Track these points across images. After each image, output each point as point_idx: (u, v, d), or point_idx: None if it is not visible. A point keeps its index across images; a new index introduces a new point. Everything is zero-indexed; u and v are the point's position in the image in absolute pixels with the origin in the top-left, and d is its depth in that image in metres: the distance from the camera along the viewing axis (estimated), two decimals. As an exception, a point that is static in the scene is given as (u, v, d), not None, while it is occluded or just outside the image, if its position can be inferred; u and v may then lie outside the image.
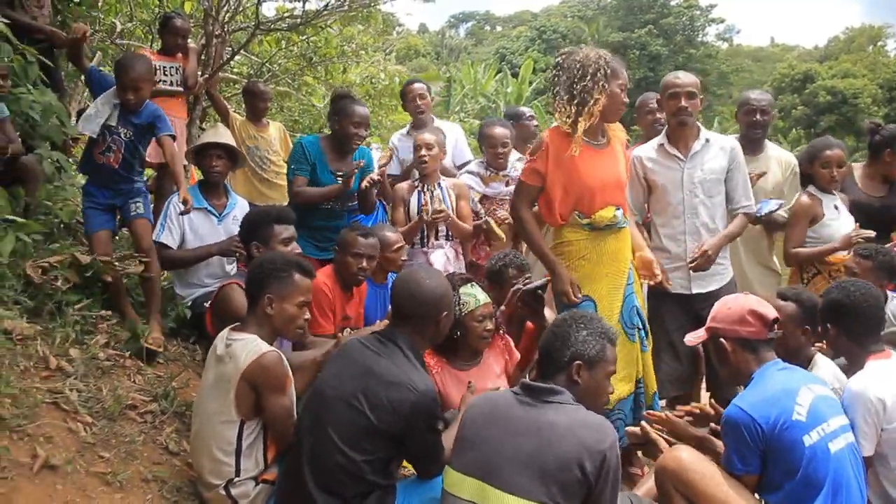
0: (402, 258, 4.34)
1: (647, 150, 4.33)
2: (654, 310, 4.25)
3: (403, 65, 20.68)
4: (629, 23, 44.16)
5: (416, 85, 5.71)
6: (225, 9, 6.66)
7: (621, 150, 3.91)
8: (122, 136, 4.22)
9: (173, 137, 4.44)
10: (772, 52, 59.56)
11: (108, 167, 4.23)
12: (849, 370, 3.09)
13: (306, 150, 4.61)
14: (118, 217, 4.39)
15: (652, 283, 4.13)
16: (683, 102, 4.08)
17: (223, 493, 2.90)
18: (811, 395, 2.67)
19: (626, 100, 3.71)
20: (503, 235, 4.70)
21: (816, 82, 39.64)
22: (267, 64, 8.21)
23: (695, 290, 4.14)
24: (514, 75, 29.46)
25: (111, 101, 4.20)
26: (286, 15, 7.33)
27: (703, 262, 3.98)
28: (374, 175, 4.66)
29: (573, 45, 4.39)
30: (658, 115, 5.01)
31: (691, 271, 4.09)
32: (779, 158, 4.84)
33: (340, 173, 4.50)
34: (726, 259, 4.25)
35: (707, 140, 4.18)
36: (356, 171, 4.51)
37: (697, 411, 3.23)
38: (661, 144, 4.25)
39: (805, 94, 39.32)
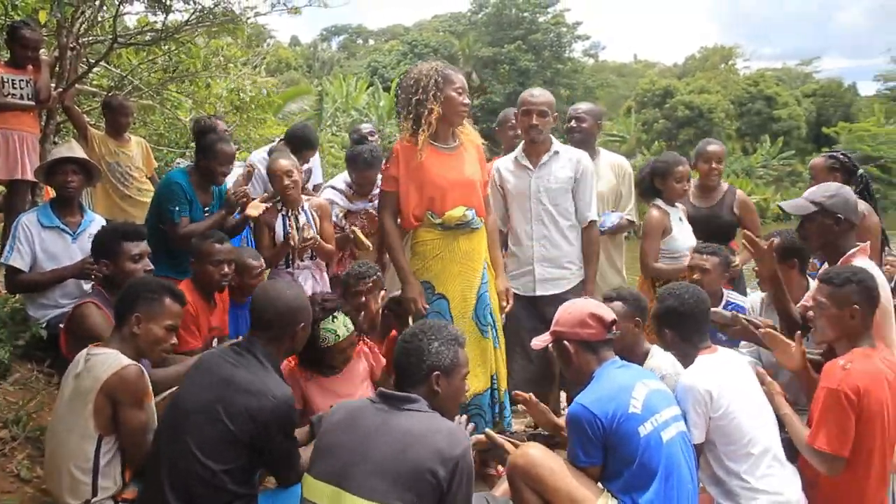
0: (255, 283, 4.34)
1: (506, 162, 4.58)
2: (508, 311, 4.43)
3: (275, 77, 20.44)
4: (499, 38, 45.07)
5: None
6: (80, 20, 6.42)
7: (475, 153, 4.09)
8: None
9: None
10: (635, 69, 62.05)
11: None
12: (683, 363, 3.32)
13: (182, 188, 4.56)
14: None
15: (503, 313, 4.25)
16: (534, 120, 4.32)
17: (80, 513, 2.82)
18: (646, 390, 2.86)
19: (467, 101, 3.89)
20: (369, 244, 4.77)
21: (675, 97, 41.70)
22: (128, 77, 7.94)
23: (538, 293, 4.39)
24: (386, 89, 29.55)
25: None
26: (146, 28, 7.14)
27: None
28: (244, 188, 4.70)
29: (445, 59, 4.55)
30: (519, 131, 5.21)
31: (535, 275, 4.34)
32: (612, 164, 5.13)
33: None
34: (573, 264, 4.46)
35: (556, 152, 4.42)
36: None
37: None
38: (516, 157, 4.49)
39: (665, 109, 41.29)
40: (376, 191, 5.04)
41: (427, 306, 3.87)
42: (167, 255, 4.53)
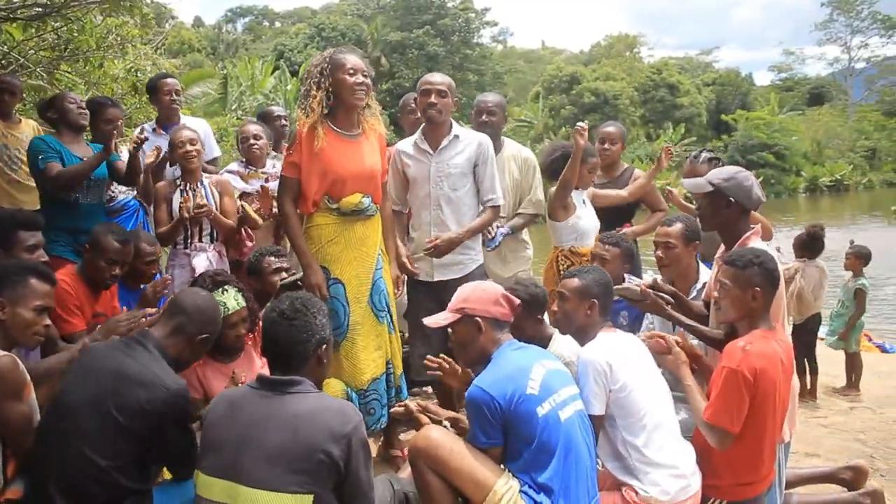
0: (153, 271, 4.28)
1: (406, 146, 4.51)
2: (409, 295, 4.46)
3: (177, 59, 19.81)
4: (408, 22, 44.98)
5: (171, 80, 5.62)
6: (-45, -9, 6.03)
7: (376, 142, 4.04)
8: None
9: None
10: (542, 55, 62.98)
11: None
12: (581, 342, 3.35)
13: (47, 142, 4.50)
14: None
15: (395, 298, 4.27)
16: (433, 98, 4.27)
17: (-42, 517, 2.68)
18: (543, 370, 2.89)
19: (360, 80, 3.81)
20: (258, 218, 4.65)
21: (582, 84, 42.54)
22: (13, 53, 7.51)
23: (437, 278, 4.36)
24: (294, 73, 29.12)
25: None
26: (30, 2, 6.75)
27: (434, 253, 4.23)
28: (142, 136, 4.52)
29: (352, 43, 4.48)
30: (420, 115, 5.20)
31: (433, 259, 4.32)
32: (516, 156, 5.13)
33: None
34: (472, 250, 4.46)
35: (456, 136, 4.39)
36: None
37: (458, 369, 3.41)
38: (416, 141, 4.44)
39: (572, 95, 42.08)
40: (272, 170, 5.00)
41: (327, 294, 3.82)
42: (68, 239, 4.39)
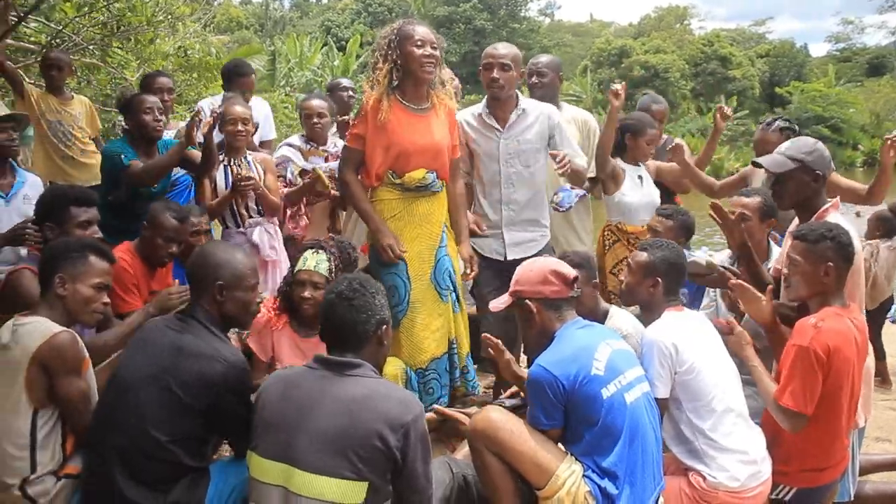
0: (202, 242, 4.12)
1: (469, 116, 4.36)
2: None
3: (225, 36, 19.94)
4: (455, -3, 44.66)
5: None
6: (8, -30, 6.08)
7: (446, 117, 3.95)
8: None
9: None
10: (590, 28, 62.03)
11: None
12: (644, 319, 3.27)
13: (123, 145, 4.40)
14: None
15: (466, 280, 4.19)
16: (496, 73, 4.13)
17: (18, 493, 2.66)
18: (609, 350, 2.78)
19: (429, 52, 3.72)
20: (328, 183, 4.60)
21: (631, 57, 41.86)
22: (67, 31, 7.58)
23: (510, 257, 4.24)
24: (341, 49, 29.14)
25: None
26: (84, -21, 6.80)
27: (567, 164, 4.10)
28: (208, 119, 4.44)
29: (400, 18, 4.38)
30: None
31: (505, 238, 4.23)
32: (576, 118, 5.02)
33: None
34: (544, 227, 4.37)
35: (524, 109, 4.25)
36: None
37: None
38: (480, 113, 4.30)
39: (621, 69, 41.40)
40: (333, 149, 4.93)
41: (405, 250, 3.76)
42: (117, 231, 4.29)
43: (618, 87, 4.52)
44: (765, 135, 4.74)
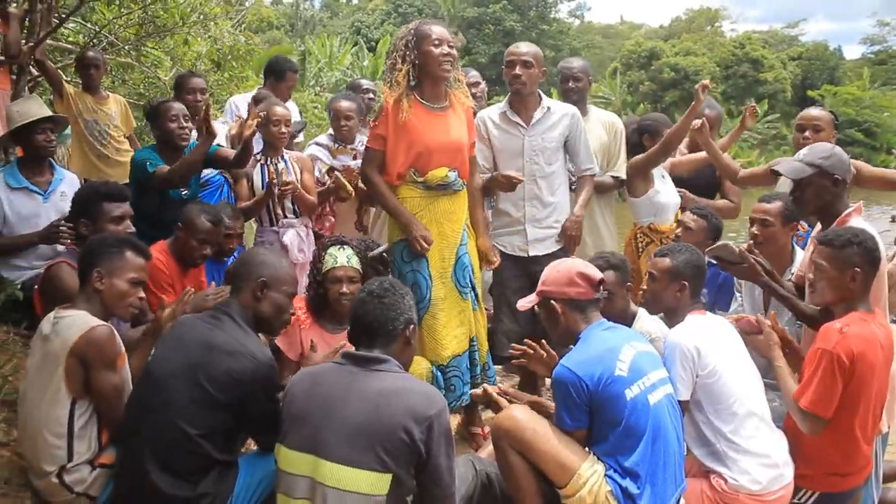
0: (234, 245, 4.30)
1: (493, 113, 4.43)
2: (494, 271, 4.36)
3: (256, 35, 20.03)
4: (484, -2, 44.61)
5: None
6: (50, -28, 6.20)
7: (463, 115, 4.00)
8: None
9: None
10: (620, 30, 61.60)
11: None
12: (670, 324, 3.28)
13: (151, 153, 4.42)
14: None
15: (489, 268, 4.24)
16: (518, 70, 4.22)
17: (56, 480, 2.76)
18: (633, 352, 2.82)
19: (446, 51, 3.76)
20: (352, 189, 4.67)
21: (661, 59, 41.50)
22: (103, 32, 7.72)
23: (532, 253, 4.31)
24: (371, 49, 29.22)
25: None
26: (121, -20, 6.92)
27: (573, 242, 4.26)
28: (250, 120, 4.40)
29: (430, 18, 4.42)
30: (473, 90, 5.11)
31: (528, 234, 4.30)
32: (604, 121, 5.04)
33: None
34: (559, 222, 4.39)
35: (548, 108, 4.32)
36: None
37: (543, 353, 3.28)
38: (504, 111, 4.37)
39: (651, 71, 41.09)
40: (361, 147, 4.96)
41: (432, 240, 3.81)
42: (148, 236, 4.41)
43: (706, 81, 4.64)
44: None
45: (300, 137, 5.79)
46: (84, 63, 5.83)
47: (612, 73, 41.92)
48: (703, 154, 4.82)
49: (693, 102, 4.55)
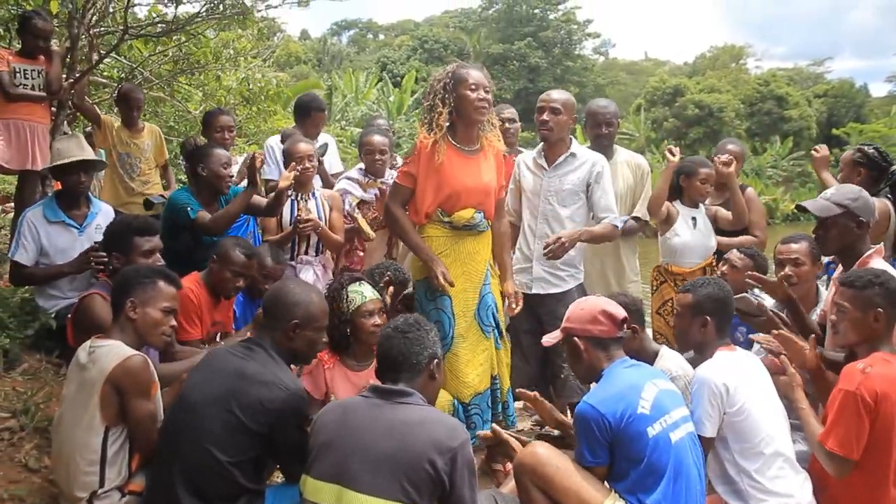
0: (267, 287, 4.19)
1: (528, 157, 4.57)
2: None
3: (284, 71, 20.40)
4: (509, 35, 45.09)
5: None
6: (91, 11, 6.40)
7: (493, 159, 4.04)
8: None
9: None
10: (645, 67, 61.89)
11: None
12: (697, 360, 3.29)
13: (187, 197, 4.44)
14: None
15: (511, 314, 4.24)
16: (545, 116, 4.32)
17: (87, 506, 2.81)
18: (655, 390, 2.83)
19: (483, 96, 3.80)
20: (372, 233, 4.75)
21: (685, 96, 41.62)
22: (139, 68, 7.94)
23: (534, 291, 4.36)
24: (396, 84, 29.57)
25: None
26: (157, 20, 7.11)
27: (557, 249, 4.07)
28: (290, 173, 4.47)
29: (455, 55, 4.50)
30: (508, 126, 5.30)
31: (533, 272, 4.37)
32: (630, 162, 5.09)
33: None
34: (573, 267, 4.42)
35: (573, 153, 4.39)
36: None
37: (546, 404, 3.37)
38: (535, 155, 4.50)
39: (675, 107, 41.22)
40: (390, 181, 4.96)
41: (451, 280, 3.81)
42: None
43: (675, 149, 4.70)
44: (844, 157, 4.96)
45: (330, 165, 5.85)
46: (129, 104, 5.98)
47: (636, 110, 42.08)
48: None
49: (665, 165, 4.70)
